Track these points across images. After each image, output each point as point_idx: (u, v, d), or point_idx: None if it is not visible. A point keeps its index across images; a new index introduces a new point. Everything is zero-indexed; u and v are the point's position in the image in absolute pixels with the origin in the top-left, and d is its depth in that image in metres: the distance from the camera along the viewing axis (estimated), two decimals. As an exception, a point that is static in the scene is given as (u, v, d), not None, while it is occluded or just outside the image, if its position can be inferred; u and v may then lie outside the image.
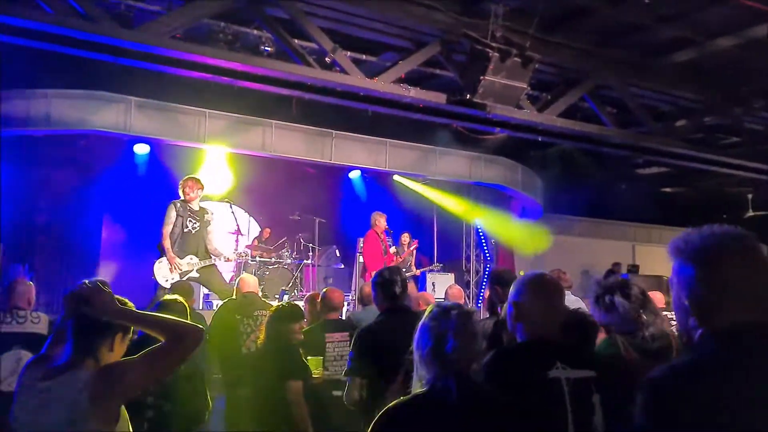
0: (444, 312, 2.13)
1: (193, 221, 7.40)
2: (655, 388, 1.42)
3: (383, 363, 3.22)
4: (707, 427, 1.36)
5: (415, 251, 10.37)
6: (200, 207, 7.53)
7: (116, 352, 2.36)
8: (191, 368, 3.76)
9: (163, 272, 7.19)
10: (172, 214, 7.33)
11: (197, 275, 7.37)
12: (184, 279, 7.07)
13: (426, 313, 2.19)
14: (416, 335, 2.16)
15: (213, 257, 7.49)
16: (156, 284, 7.17)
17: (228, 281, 8.03)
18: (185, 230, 7.34)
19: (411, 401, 2.09)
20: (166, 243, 7.25)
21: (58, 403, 2.19)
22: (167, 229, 7.30)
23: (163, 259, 7.24)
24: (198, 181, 7.59)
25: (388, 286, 3.70)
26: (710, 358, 1.43)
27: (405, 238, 10.42)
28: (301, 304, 6.69)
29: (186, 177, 7.67)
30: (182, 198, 7.46)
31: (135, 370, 2.26)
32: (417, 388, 2.12)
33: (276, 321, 4.17)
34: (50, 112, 8.50)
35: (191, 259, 7.32)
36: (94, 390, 2.17)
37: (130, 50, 6.39)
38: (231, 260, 8.00)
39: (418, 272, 10.44)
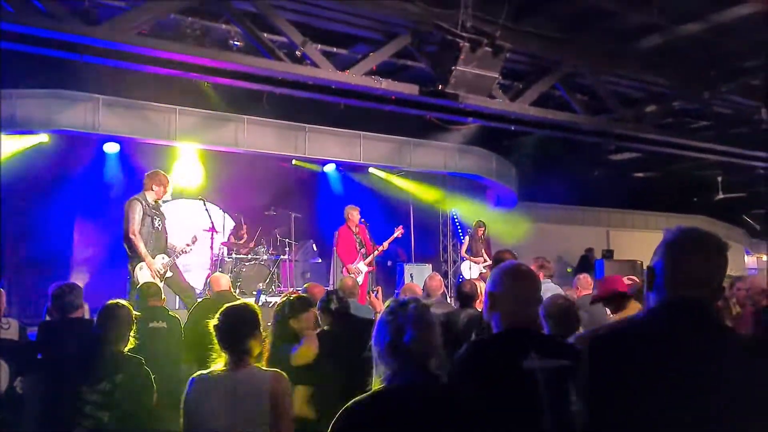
0: (401, 306, 2.13)
1: (158, 217, 6.97)
2: (595, 342, 1.81)
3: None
4: (631, 379, 1.68)
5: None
6: (155, 201, 7.03)
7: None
8: (137, 381, 3.70)
9: (146, 278, 6.66)
10: (139, 213, 6.78)
11: (170, 274, 7.01)
12: (162, 282, 6.74)
13: (383, 309, 2.19)
14: (374, 331, 2.15)
15: (173, 252, 7.09)
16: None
17: (205, 279, 7.91)
18: (154, 228, 6.88)
19: (371, 397, 2.07)
20: (141, 246, 6.72)
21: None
22: (137, 229, 6.74)
23: (142, 263, 6.76)
24: (167, 178, 7.12)
25: (326, 304, 4.40)
26: (647, 322, 1.84)
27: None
28: (279, 300, 6.58)
29: (154, 171, 7.16)
30: (147, 194, 6.93)
31: None
32: (377, 384, 2.11)
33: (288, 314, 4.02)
34: (15, 113, 8.32)
35: (163, 258, 6.94)
36: None
37: (94, 48, 6.27)
38: (186, 252, 7.34)
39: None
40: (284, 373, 2.92)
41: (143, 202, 6.88)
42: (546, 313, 3.52)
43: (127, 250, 6.86)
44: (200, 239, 7.63)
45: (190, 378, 2.96)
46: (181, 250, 7.24)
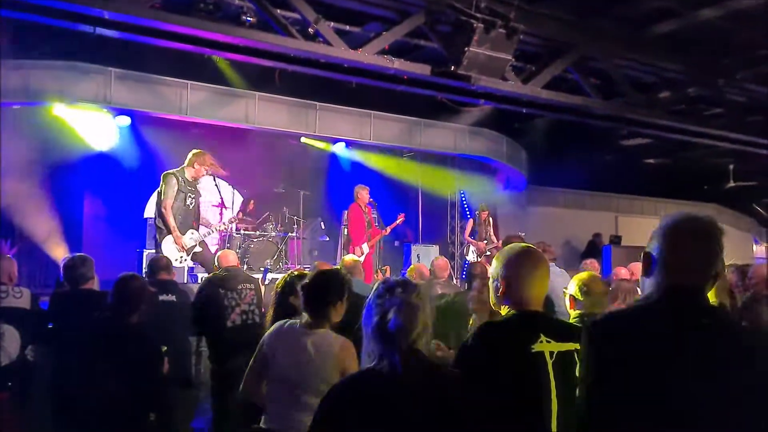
0: (389, 289, 2.15)
1: (191, 195, 7.05)
2: (593, 326, 1.84)
3: None
4: (628, 359, 1.72)
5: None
6: (193, 178, 7.14)
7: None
8: (147, 353, 3.78)
9: (171, 251, 6.82)
10: (174, 187, 6.86)
11: (200, 249, 7.14)
12: (188, 256, 6.97)
13: (372, 291, 2.21)
14: (363, 313, 2.18)
15: (205, 228, 7.19)
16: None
17: (213, 254, 7.97)
18: (185, 204, 6.98)
19: (359, 376, 2.14)
20: (171, 220, 6.81)
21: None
22: (169, 203, 6.82)
23: (169, 237, 6.86)
24: (213, 161, 7.14)
25: None
26: (644, 308, 1.86)
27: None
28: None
29: (201, 151, 7.21)
30: (186, 170, 7.00)
31: None
32: (366, 363, 2.15)
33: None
34: (28, 84, 8.33)
35: (192, 234, 7.04)
36: None
37: (108, 20, 6.25)
38: (221, 229, 7.62)
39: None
40: (351, 342, 3.00)
41: (180, 177, 6.93)
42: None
43: (159, 223, 6.94)
44: (218, 219, 7.80)
45: (278, 322, 3.18)
46: (215, 228, 7.38)
